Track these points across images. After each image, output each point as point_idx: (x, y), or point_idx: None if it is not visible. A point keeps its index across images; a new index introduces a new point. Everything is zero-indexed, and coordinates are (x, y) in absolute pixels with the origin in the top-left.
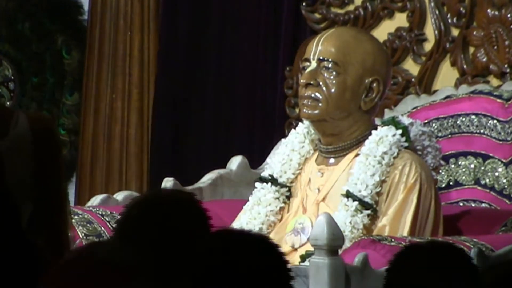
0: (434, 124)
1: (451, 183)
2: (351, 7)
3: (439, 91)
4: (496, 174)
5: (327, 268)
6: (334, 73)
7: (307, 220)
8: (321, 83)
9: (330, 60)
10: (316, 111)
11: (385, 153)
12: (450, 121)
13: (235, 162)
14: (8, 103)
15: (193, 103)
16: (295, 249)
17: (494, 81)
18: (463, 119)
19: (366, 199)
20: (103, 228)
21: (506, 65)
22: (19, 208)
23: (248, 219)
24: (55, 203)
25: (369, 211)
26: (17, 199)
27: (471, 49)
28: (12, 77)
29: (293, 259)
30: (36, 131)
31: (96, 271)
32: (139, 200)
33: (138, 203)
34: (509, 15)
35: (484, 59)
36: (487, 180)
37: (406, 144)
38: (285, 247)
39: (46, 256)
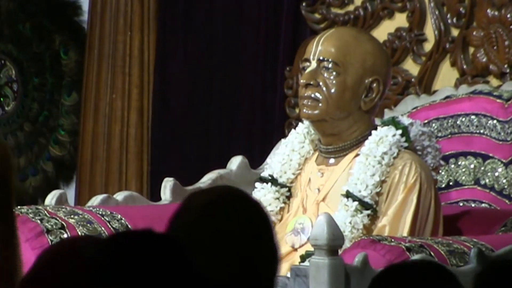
0: (434, 124)
1: (451, 183)
2: (351, 7)
3: (439, 91)
4: (496, 174)
5: (327, 268)
6: (334, 73)
7: (307, 220)
8: (321, 83)
9: (330, 60)
10: (316, 111)
11: (385, 153)
12: (450, 121)
13: (235, 162)
14: (12, 103)
15: (193, 103)
16: (295, 249)
17: (494, 81)
18: (463, 119)
19: (366, 199)
20: (103, 228)
21: (506, 65)
22: None
23: None
24: (4, 231)
25: (369, 211)
26: None
27: (471, 49)
28: (15, 78)
29: (293, 259)
30: None
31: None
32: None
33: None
34: (509, 15)
35: (484, 59)
36: (487, 180)
37: (406, 144)
38: (285, 247)
39: None
